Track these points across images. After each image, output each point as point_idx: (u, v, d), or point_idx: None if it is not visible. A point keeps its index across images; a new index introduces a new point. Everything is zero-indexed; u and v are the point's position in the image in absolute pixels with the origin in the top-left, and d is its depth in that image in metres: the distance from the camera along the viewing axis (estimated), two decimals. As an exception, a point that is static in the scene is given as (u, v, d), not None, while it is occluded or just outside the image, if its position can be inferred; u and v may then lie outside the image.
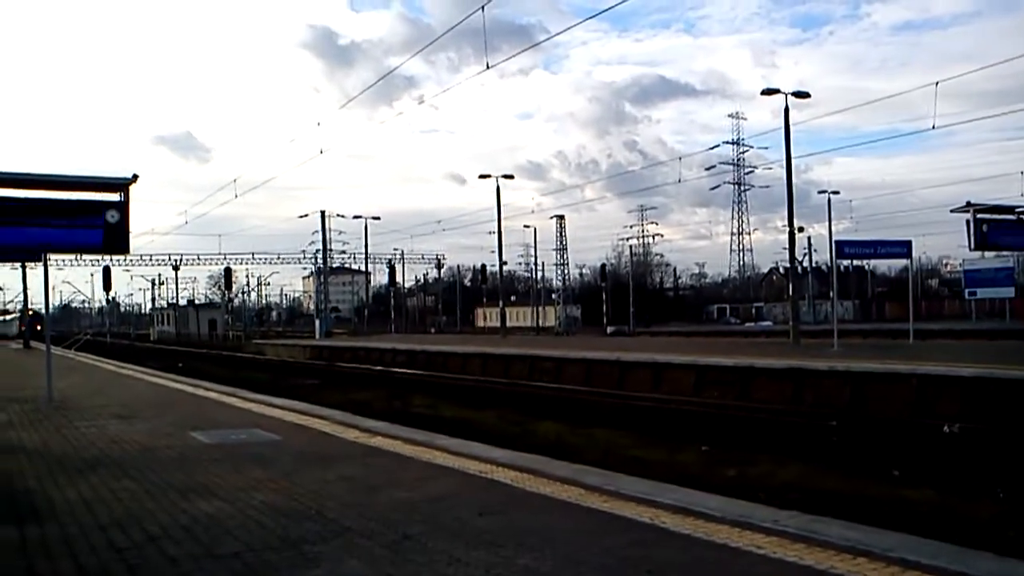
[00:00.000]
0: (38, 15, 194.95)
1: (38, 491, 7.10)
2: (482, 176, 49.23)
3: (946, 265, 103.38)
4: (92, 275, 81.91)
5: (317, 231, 64.54)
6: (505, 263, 57.44)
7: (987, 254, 40.40)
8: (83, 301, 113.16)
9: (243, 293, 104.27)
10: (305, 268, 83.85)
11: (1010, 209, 24.16)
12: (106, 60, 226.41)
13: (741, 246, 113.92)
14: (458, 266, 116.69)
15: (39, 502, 6.63)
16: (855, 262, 66.40)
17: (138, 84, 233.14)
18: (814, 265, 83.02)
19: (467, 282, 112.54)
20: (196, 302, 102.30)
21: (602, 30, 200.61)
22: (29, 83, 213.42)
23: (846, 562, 4.46)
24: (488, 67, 23.23)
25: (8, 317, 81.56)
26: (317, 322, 63.02)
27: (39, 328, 76.58)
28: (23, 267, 42.09)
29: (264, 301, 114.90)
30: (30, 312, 71.99)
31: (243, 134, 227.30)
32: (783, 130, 31.20)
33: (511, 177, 51.28)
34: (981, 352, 21.05)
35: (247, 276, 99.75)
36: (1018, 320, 48.60)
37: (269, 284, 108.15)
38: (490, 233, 59.27)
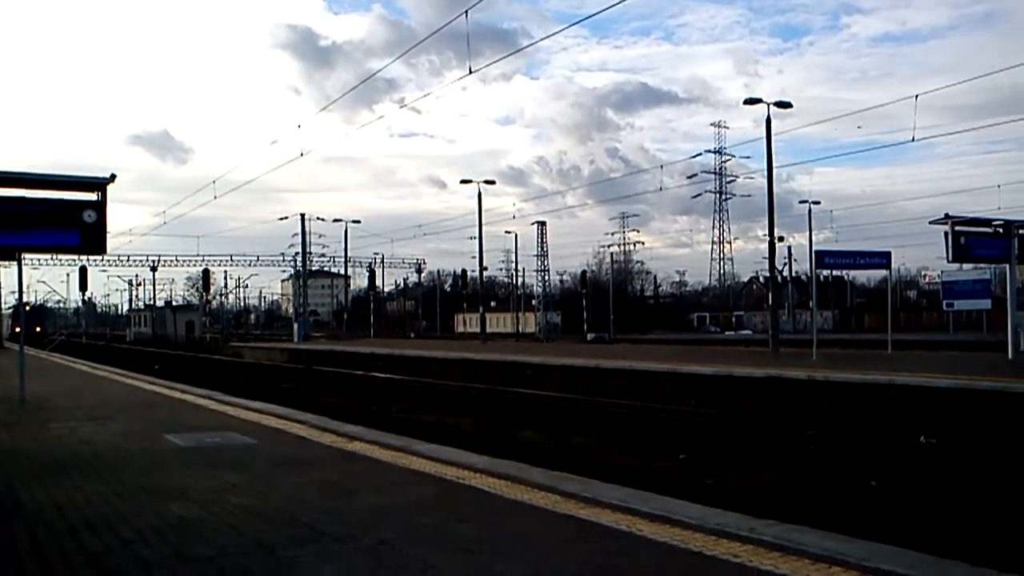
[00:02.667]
0: (13, 13, 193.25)
1: (6, 493, 6.99)
2: (463, 181, 48.98)
3: (924, 276, 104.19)
4: (68, 275, 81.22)
5: (297, 233, 64.37)
6: (486, 268, 57.51)
7: (965, 266, 40.77)
8: (58, 301, 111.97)
9: (221, 295, 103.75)
10: (284, 271, 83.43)
11: (987, 222, 24.36)
12: (83, 57, 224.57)
13: (722, 255, 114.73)
14: (438, 271, 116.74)
15: (8, 504, 6.54)
16: (835, 272, 66.74)
17: (115, 82, 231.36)
18: (794, 275, 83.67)
19: (447, 287, 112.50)
20: (174, 304, 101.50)
21: (582, 36, 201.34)
22: (4, 81, 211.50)
23: (822, 571, 4.47)
24: (471, 71, 23.38)
25: (10, 311, 73.01)
26: (296, 325, 62.71)
27: (39, 330, 72.84)
28: (-3, 266, 41.59)
29: (242, 303, 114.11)
30: (28, 307, 70.50)
31: (222, 135, 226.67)
32: (765, 140, 31.43)
33: (492, 183, 51.21)
34: (958, 363, 21.21)
35: (225, 278, 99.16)
36: (995, 332, 49.00)
37: (247, 286, 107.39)
38: (471, 238, 59.42)
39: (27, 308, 67.36)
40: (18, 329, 57.82)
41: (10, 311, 67.16)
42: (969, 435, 12.92)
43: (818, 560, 4.63)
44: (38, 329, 73.89)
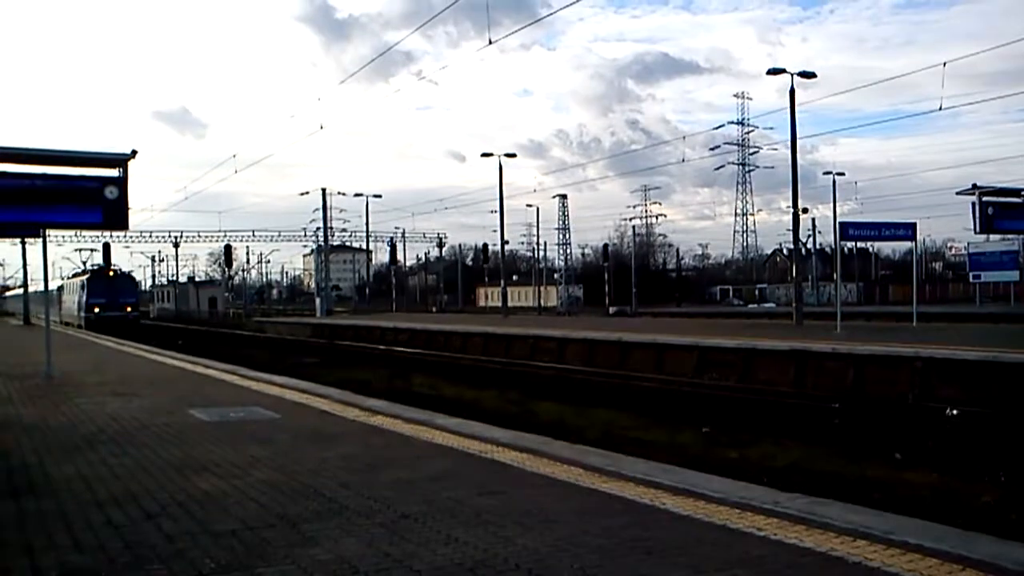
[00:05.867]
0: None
1: (36, 466, 7.08)
2: (484, 155, 48.58)
3: (950, 248, 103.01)
4: (92, 251, 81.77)
5: (318, 208, 64.31)
6: (507, 242, 57.35)
7: (992, 237, 40.27)
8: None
9: (243, 271, 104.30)
10: (306, 246, 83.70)
11: (1016, 192, 24.02)
12: (103, 35, 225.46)
13: (745, 227, 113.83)
14: (459, 245, 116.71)
15: (36, 477, 6.62)
16: (859, 244, 66.15)
17: (134, 59, 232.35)
18: (818, 247, 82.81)
19: (468, 261, 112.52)
20: (196, 279, 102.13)
21: (599, 5, 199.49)
22: (27, 60, 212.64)
23: (846, 544, 4.43)
24: (490, 42, 23.21)
25: (76, 281, 51.24)
26: (318, 300, 62.98)
27: (130, 309, 44.90)
28: (23, 243, 41.30)
29: (265, 279, 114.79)
30: (111, 272, 47.45)
31: (239, 109, 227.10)
32: (788, 110, 31.05)
33: (513, 156, 50.73)
34: (985, 335, 20.98)
35: (247, 253, 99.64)
36: (1022, 304, 48.49)
37: (269, 262, 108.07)
38: (492, 212, 59.20)
39: (113, 274, 47.36)
40: (97, 309, 42.68)
41: (81, 279, 48.58)
42: (996, 408, 12.77)
43: (843, 533, 4.60)
44: (129, 308, 45.79)
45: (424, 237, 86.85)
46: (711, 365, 19.61)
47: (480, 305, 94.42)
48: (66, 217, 13.99)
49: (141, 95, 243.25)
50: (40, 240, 15.58)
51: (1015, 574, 3.94)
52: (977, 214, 22.53)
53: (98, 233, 54.41)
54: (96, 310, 42.43)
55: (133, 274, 56.08)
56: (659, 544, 4.54)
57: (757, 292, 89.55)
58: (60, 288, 53.05)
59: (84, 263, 53.98)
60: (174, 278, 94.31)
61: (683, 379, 18.27)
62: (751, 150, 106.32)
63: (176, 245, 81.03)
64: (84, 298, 44.06)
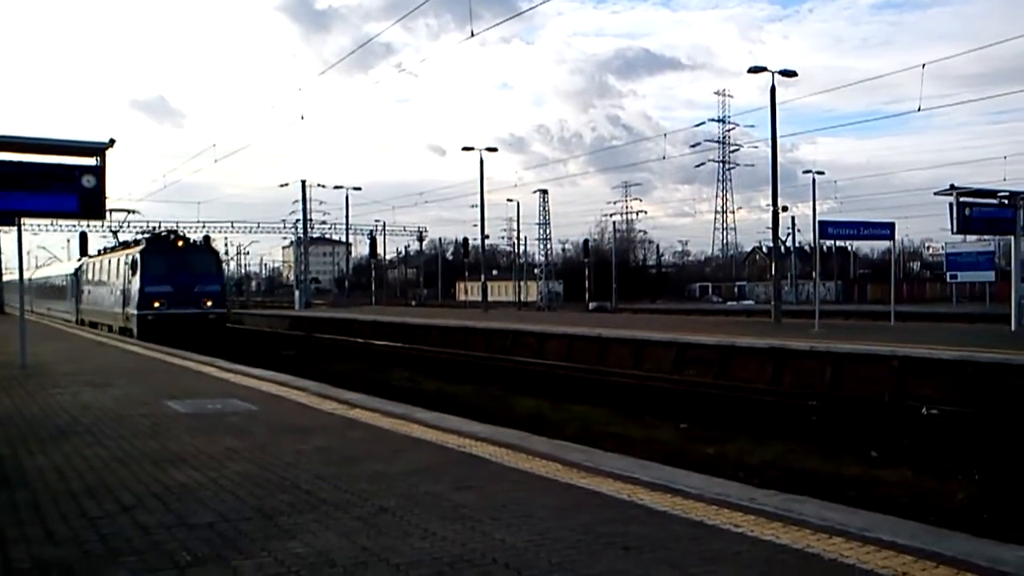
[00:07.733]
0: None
1: (9, 457, 7.00)
2: (465, 148, 48.45)
3: (928, 248, 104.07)
4: (68, 240, 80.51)
5: (297, 200, 63.94)
6: (487, 237, 57.30)
7: (969, 237, 40.61)
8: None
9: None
10: (285, 238, 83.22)
11: (993, 193, 24.25)
12: (80, 23, 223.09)
13: (725, 224, 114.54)
14: (440, 239, 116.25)
15: (10, 469, 6.54)
16: (838, 243, 66.55)
17: (111, 47, 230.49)
18: (797, 245, 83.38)
19: (449, 255, 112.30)
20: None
21: (578, 0, 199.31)
22: (3, 47, 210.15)
23: (822, 541, 4.45)
24: (472, 35, 22.99)
25: (117, 257, 30.59)
26: (297, 293, 62.68)
27: (211, 303, 27.45)
28: (-7, 230, 40.11)
29: (243, 271, 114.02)
30: (180, 242, 28.65)
31: (218, 99, 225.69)
32: (769, 108, 31.12)
33: (494, 150, 50.90)
34: (961, 335, 21.18)
35: (226, 245, 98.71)
36: (998, 304, 48.93)
37: (248, 253, 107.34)
38: (472, 206, 59.08)
39: (183, 244, 28.76)
40: (158, 304, 25.74)
41: (130, 252, 28.40)
42: (971, 406, 12.90)
43: (819, 530, 4.62)
44: (210, 303, 28.02)
45: (404, 230, 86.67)
46: (689, 362, 19.69)
47: (460, 299, 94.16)
48: (42, 205, 13.86)
49: (118, 83, 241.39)
50: (15, 229, 15.40)
51: (987, 571, 3.97)
52: (954, 215, 22.73)
53: (75, 222, 53.68)
54: (156, 305, 26.23)
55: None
56: (636, 540, 4.55)
57: (736, 289, 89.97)
58: (78, 271, 37.02)
59: (115, 232, 35.41)
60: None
61: (661, 375, 18.33)
62: (732, 148, 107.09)
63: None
64: (137, 285, 26.68)
